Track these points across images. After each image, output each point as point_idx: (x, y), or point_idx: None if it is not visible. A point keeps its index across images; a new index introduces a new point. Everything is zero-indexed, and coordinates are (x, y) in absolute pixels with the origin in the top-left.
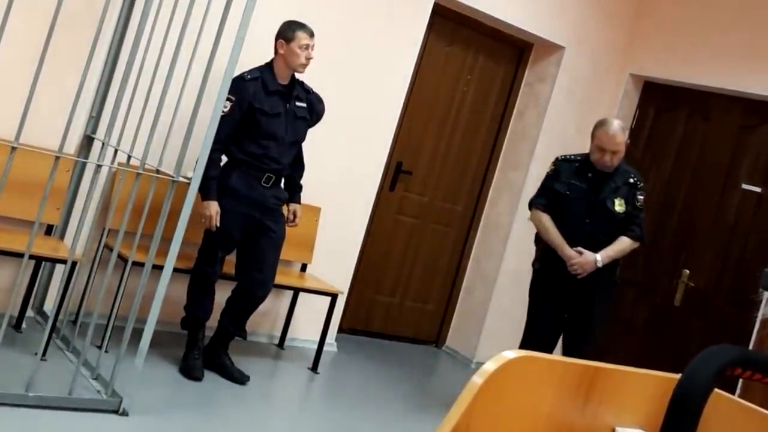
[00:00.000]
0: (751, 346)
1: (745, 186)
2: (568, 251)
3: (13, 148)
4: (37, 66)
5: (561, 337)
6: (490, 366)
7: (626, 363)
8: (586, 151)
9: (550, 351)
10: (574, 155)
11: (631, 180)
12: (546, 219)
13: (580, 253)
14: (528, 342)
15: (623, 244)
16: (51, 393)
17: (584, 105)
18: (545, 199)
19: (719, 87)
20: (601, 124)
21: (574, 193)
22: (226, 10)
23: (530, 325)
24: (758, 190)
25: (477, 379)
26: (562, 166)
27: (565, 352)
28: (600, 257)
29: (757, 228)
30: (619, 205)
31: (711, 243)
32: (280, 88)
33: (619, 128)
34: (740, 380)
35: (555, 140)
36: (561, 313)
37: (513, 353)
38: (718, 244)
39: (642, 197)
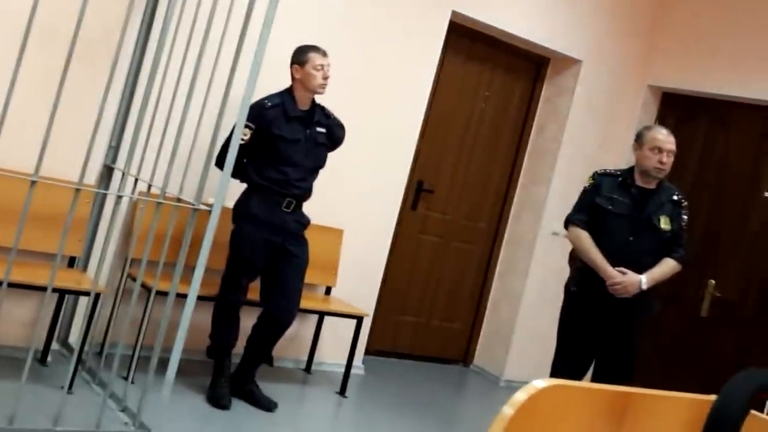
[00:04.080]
0: None
1: (767, 194)
2: (611, 271)
3: (33, 182)
4: (55, 97)
5: (593, 363)
6: (520, 396)
7: (653, 376)
8: (613, 165)
9: (581, 378)
10: (613, 169)
11: (675, 197)
12: (586, 237)
13: (623, 273)
14: (560, 369)
15: (668, 266)
16: (79, 427)
17: (604, 117)
18: (585, 216)
19: (739, 96)
20: (649, 128)
21: (617, 209)
22: (242, 36)
23: (562, 351)
24: None
25: (508, 410)
26: (602, 179)
27: (597, 382)
28: (645, 279)
29: None
30: (665, 223)
31: (736, 252)
32: (300, 114)
33: (669, 130)
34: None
35: (576, 154)
36: (595, 341)
37: (543, 382)
38: (743, 254)
39: (686, 216)
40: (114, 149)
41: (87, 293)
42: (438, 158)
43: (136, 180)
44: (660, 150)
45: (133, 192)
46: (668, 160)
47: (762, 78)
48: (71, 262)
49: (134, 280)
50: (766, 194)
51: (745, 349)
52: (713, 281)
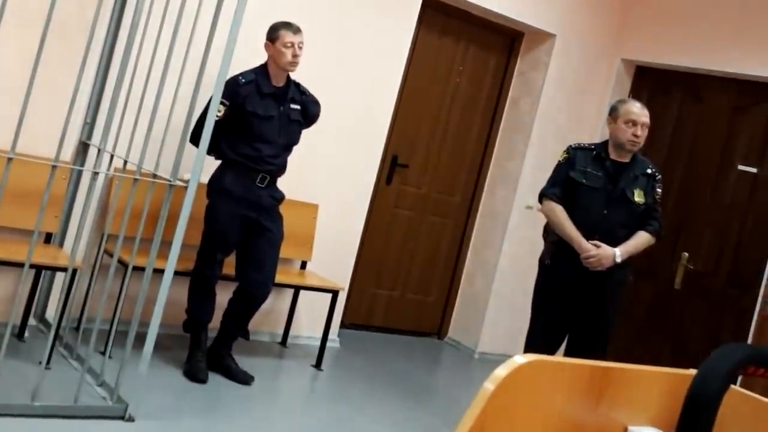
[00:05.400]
0: (752, 327)
1: (740, 167)
2: (585, 244)
3: (9, 159)
4: (31, 74)
5: (567, 336)
6: (501, 371)
7: (628, 348)
8: (587, 139)
9: (555, 351)
10: (587, 144)
11: (649, 171)
12: (560, 210)
13: (597, 246)
14: (534, 342)
15: (642, 239)
16: (56, 402)
17: (577, 92)
18: (559, 190)
19: (711, 69)
20: (623, 102)
21: (591, 182)
22: (217, 12)
23: (537, 324)
24: (754, 170)
25: (489, 385)
26: (576, 153)
27: (571, 354)
28: (619, 252)
29: (754, 208)
30: (638, 196)
31: (709, 225)
32: (274, 91)
33: (643, 104)
34: (740, 376)
35: (549, 128)
36: (569, 313)
37: (523, 358)
38: (716, 226)
39: (660, 190)
40: (89, 126)
41: (64, 269)
42: (413, 133)
43: (112, 156)
44: (634, 123)
45: (109, 168)
46: (642, 133)
47: (734, 51)
48: (48, 238)
49: (111, 255)
50: (739, 167)
51: (717, 320)
52: (686, 254)
